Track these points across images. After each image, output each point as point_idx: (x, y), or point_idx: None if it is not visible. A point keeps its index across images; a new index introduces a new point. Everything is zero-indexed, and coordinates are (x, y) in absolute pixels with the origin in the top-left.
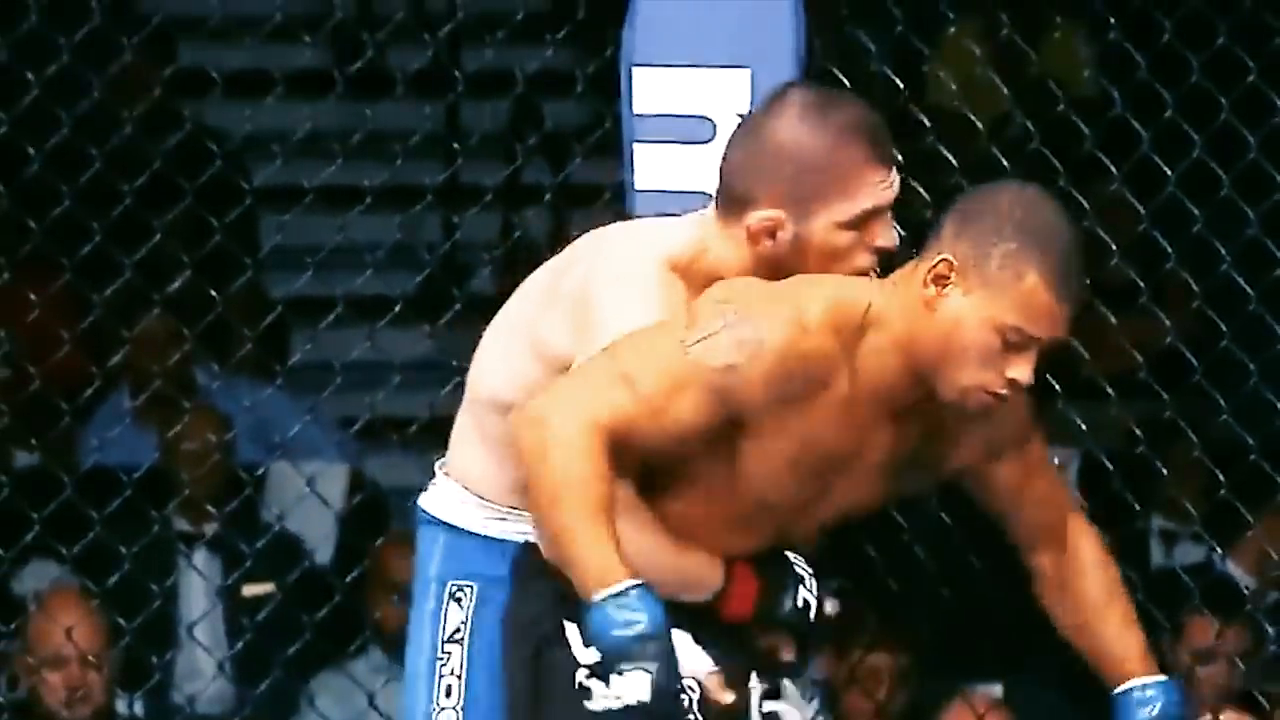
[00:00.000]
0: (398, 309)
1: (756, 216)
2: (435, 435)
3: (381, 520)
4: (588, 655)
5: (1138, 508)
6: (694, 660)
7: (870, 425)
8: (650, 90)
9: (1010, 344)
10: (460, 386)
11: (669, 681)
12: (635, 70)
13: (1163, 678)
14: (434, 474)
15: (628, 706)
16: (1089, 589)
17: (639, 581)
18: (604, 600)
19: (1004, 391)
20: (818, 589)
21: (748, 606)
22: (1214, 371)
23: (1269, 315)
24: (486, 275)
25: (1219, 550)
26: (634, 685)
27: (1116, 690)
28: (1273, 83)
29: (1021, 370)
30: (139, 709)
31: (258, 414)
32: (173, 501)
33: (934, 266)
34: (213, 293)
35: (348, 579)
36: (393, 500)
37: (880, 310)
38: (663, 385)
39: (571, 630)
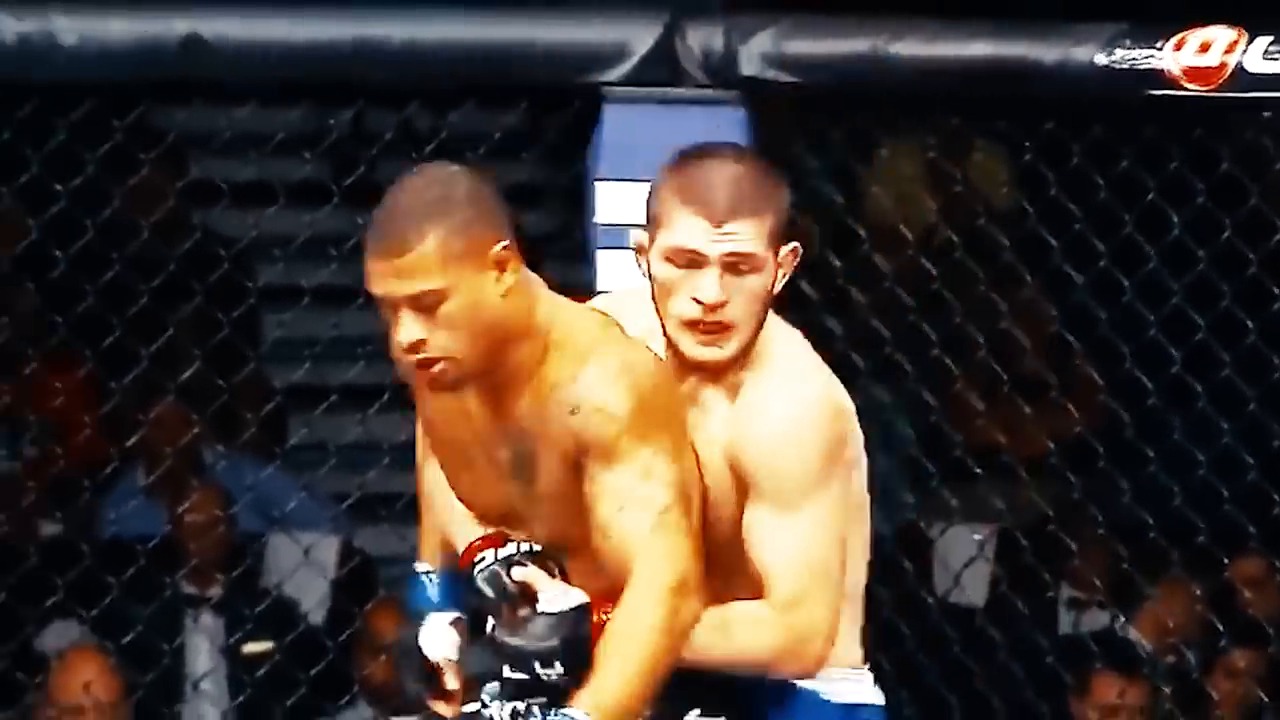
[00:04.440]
0: (386, 397)
1: (634, 235)
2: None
3: (370, 586)
4: None
5: (1048, 578)
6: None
7: (467, 410)
8: (611, 202)
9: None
10: None
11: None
12: (598, 184)
13: None
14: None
15: None
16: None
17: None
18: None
19: (408, 354)
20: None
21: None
22: (1117, 457)
23: (1168, 408)
24: None
25: (1121, 617)
26: None
27: None
28: (1173, 200)
29: (400, 333)
30: None
31: (259, 490)
32: (181, 569)
33: None
34: (220, 381)
35: (339, 639)
36: (380, 569)
37: None
38: None
39: None
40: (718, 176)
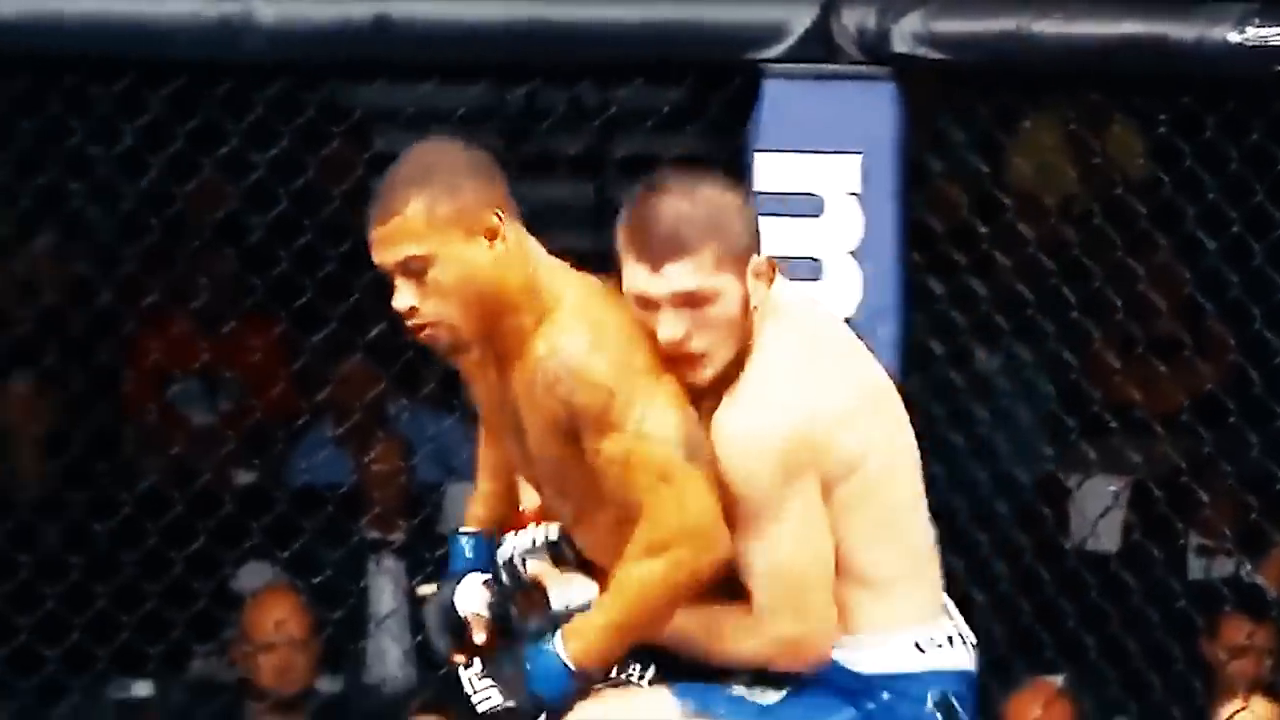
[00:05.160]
0: None
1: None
2: None
3: None
4: None
5: (1180, 527)
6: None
7: (491, 384)
8: (771, 171)
9: None
10: None
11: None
12: (758, 154)
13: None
14: None
15: None
16: None
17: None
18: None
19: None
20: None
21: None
22: (1247, 413)
23: None
24: None
25: (1247, 564)
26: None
27: None
28: None
29: (395, 299)
30: (337, 687)
31: (439, 441)
32: (366, 515)
33: None
34: (404, 339)
35: None
36: None
37: None
38: None
39: None
40: (651, 219)
